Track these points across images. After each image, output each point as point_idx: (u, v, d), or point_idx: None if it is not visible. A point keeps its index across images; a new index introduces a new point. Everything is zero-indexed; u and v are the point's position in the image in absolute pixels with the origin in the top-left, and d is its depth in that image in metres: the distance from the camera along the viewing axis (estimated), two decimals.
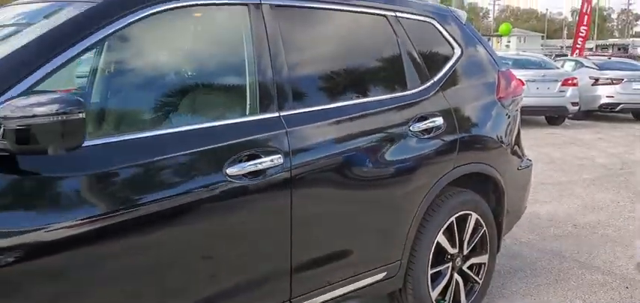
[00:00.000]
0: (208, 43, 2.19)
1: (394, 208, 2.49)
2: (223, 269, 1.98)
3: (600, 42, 56.41)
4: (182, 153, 1.83)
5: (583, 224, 4.75)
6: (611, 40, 61.43)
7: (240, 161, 1.94)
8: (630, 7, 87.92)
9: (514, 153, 3.15)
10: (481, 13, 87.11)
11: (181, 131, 1.88)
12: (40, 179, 1.57)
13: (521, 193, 3.29)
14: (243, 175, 1.94)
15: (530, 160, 3.37)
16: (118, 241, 1.68)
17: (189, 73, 2.16)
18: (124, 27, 1.81)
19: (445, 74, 2.80)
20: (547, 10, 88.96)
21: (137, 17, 1.84)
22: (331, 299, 2.35)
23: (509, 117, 3.10)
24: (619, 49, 52.85)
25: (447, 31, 2.91)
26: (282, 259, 2.12)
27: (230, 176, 1.91)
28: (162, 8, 1.90)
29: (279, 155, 2.04)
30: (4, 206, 1.51)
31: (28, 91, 1.59)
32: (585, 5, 16.38)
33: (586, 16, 16.47)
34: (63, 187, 1.61)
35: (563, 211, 5.10)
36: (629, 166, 7.37)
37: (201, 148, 1.88)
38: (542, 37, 67.85)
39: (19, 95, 1.56)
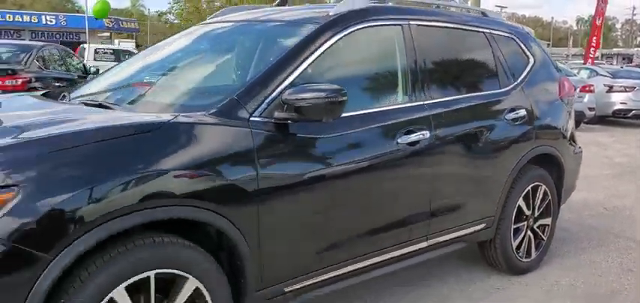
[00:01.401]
0: (381, 51, 3.06)
1: (494, 175, 3.37)
2: (395, 206, 2.86)
3: (605, 51, 57.20)
4: (378, 125, 2.72)
5: (612, 207, 5.63)
6: (615, 50, 62.19)
7: (405, 134, 2.82)
8: (634, 17, 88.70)
9: (571, 141, 4.02)
10: None
11: (374, 111, 2.76)
12: (307, 137, 2.45)
13: (575, 173, 4.17)
14: (406, 144, 2.82)
15: (581, 148, 4.24)
16: (351, 178, 2.58)
17: (374, 70, 3.02)
18: (335, 42, 2.69)
19: (524, 77, 3.67)
20: (552, 18, 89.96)
21: (342, 35, 2.72)
22: (450, 239, 3.23)
23: (568, 112, 3.97)
24: (623, 59, 53.48)
25: (525, 45, 3.79)
26: (426, 205, 3.00)
27: (399, 144, 2.79)
28: (356, 28, 2.78)
29: (427, 131, 2.91)
30: (288, 154, 2.39)
31: (291, 84, 2.45)
32: (598, 18, 17.31)
33: (597, 29, 17.38)
34: (323, 142, 2.50)
35: (594, 198, 5.97)
36: None
37: (387, 123, 2.76)
38: (548, 44, 68.75)
39: (286, 87, 2.43)
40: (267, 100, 2.38)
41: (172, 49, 3.27)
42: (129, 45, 49.87)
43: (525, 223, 3.70)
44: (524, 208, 3.66)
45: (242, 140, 2.24)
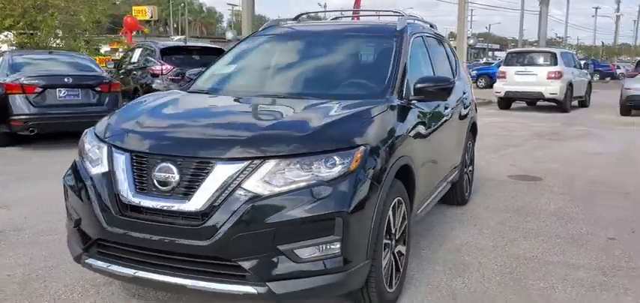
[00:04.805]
0: (420, 52, 4.35)
1: (463, 135, 5.04)
2: (446, 155, 4.31)
3: None
4: (440, 102, 4.08)
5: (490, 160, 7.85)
6: None
7: (446, 108, 4.27)
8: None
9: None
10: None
11: None
12: (425, 111, 3.71)
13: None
14: (447, 113, 4.27)
15: None
16: (438, 134, 3.96)
17: (425, 65, 4.32)
18: (412, 45, 3.98)
19: (458, 69, 5.43)
20: None
21: (412, 40, 4.03)
22: (450, 180, 4.77)
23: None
24: None
25: (450, 46, 5.56)
26: (448, 154, 4.50)
27: (446, 113, 4.24)
28: (413, 37, 4.11)
29: (449, 106, 4.39)
30: (417, 120, 3.59)
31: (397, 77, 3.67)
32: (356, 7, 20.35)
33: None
34: (434, 112, 3.78)
35: None
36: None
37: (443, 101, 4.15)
38: None
39: (390, 78, 3.64)
40: (403, 88, 3.57)
41: (279, 53, 4.25)
42: None
43: (466, 169, 5.47)
44: (466, 158, 5.41)
45: (410, 112, 3.44)
